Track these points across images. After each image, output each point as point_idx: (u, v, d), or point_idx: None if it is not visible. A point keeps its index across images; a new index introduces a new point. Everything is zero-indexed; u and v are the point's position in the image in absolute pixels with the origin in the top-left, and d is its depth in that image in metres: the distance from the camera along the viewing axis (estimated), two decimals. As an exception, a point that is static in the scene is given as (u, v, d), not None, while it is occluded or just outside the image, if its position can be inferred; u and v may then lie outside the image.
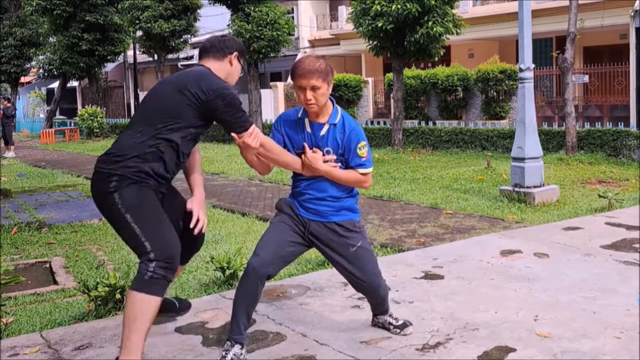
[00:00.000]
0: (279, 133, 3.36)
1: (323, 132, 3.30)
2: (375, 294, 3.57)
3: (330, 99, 3.33)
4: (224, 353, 3.22)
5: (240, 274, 4.81)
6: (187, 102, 2.99)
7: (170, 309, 3.61)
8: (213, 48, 3.24)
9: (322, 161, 3.28)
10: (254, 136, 3.10)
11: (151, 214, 3.01)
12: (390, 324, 3.68)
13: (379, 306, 3.69)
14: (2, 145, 19.46)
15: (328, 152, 3.30)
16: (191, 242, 3.37)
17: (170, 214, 3.15)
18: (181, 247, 3.11)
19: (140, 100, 3.18)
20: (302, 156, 3.29)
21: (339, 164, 3.32)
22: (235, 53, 3.26)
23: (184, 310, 3.74)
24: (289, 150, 3.33)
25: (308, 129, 3.33)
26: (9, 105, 20.64)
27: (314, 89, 3.18)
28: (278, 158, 3.26)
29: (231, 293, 4.49)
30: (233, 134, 3.09)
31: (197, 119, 3.06)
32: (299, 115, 3.36)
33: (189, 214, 3.27)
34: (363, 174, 3.33)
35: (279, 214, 3.45)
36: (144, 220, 2.97)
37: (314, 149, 3.30)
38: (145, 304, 2.89)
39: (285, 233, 3.34)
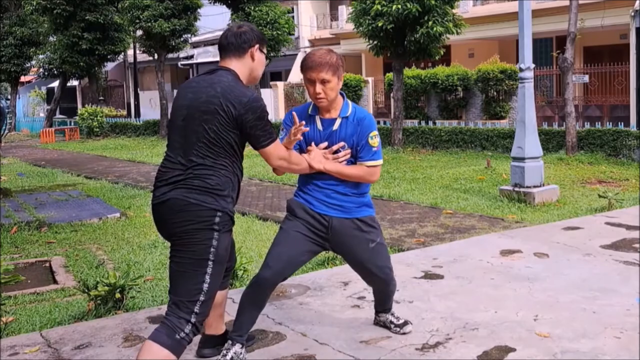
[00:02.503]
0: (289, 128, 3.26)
1: (336, 126, 3.24)
2: (385, 289, 3.57)
3: (340, 93, 3.27)
4: (224, 352, 3.22)
5: (240, 273, 4.83)
6: (225, 122, 2.81)
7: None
8: (231, 45, 3.00)
9: (329, 163, 3.21)
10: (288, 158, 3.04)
11: (221, 270, 2.87)
12: (391, 322, 3.69)
13: (383, 303, 3.69)
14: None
15: (343, 148, 3.25)
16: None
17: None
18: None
19: (168, 113, 2.73)
20: (307, 155, 3.22)
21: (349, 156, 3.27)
22: (256, 45, 3.03)
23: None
24: (300, 147, 3.27)
25: (319, 127, 3.27)
26: None
27: (323, 82, 3.12)
28: (300, 167, 3.17)
29: (231, 292, 4.50)
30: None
31: (238, 132, 2.89)
32: (309, 111, 3.30)
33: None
34: (372, 166, 3.26)
35: (291, 219, 3.35)
36: (215, 278, 2.81)
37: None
38: None
39: (300, 243, 3.27)
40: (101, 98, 31.56)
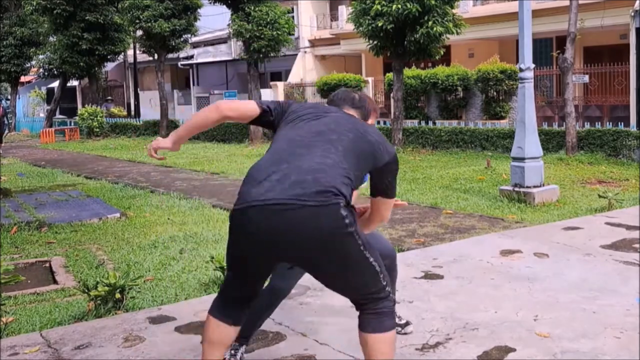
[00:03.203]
0: None
1: None
2: (392, 272, 3.55)
3: None
4: (232, 352, 3.26)
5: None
6: (375, 159, 2.80)
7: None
8: (364, 109, 3.09)
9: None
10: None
11: (374, 247, 2.76)
12: (393, 321, 3.70)
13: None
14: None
15: None
16: None
17: None
18: None
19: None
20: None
21: None
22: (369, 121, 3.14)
23: None
24: None
25: None
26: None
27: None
28: None
29: (231, 292, 4.49)
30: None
31: (369, 172, 2.88)
32: None
33: None
34: None
35: None
36: (375, 254, 2.68)
37: None
38: (395, 342, 2.72)
39: None
40: (109, 98, 31.61)
